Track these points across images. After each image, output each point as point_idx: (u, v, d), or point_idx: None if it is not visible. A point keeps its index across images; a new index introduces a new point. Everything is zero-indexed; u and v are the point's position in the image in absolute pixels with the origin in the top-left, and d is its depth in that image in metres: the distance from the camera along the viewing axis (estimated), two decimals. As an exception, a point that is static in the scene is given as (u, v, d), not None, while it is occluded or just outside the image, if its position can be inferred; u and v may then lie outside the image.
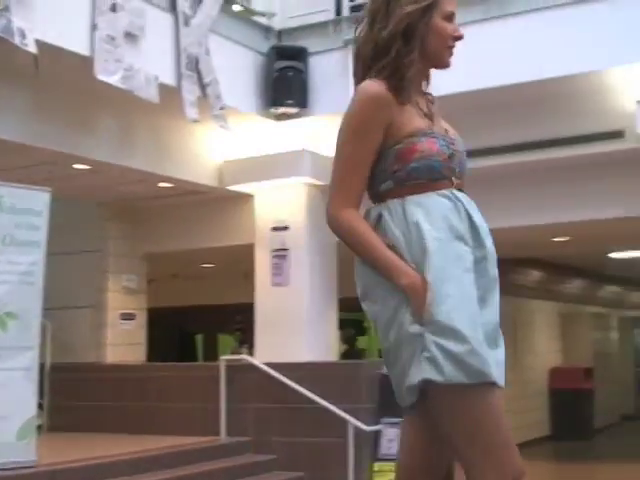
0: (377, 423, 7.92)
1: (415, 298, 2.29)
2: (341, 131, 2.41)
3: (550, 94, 7.54)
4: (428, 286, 2.28)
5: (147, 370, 9.63)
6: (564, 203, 8.31)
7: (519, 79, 7.22)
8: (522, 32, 7.30)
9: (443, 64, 2.52)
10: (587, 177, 8.12)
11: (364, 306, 2.45)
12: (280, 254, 9.07)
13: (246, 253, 9.34)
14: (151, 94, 6.94)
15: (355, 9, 8.43)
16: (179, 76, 7.33)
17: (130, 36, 6.86)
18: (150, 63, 7.01)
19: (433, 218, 2.35)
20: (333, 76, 8.25)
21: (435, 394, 2.29)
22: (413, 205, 2.37)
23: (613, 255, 13.74)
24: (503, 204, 8.46)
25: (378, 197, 2.45)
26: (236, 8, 8.59)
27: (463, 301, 2.29)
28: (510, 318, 13.92)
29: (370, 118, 2.37)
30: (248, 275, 9.48)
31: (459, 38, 2.50)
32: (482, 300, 2.36)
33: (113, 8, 6.72)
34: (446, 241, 2.33)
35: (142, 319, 10.36)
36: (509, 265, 13.30)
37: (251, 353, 9.66)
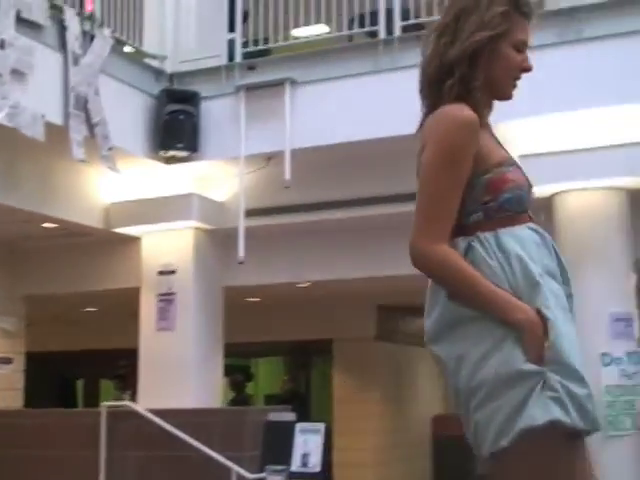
0: (261, 471, 7.83)
1: (533, 334, 2.10)
2: (429, 159, 2.23)
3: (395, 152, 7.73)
4: (549, 323, 2.12)
5: (23, 416, 9.30)
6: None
7: (358, 137, 7.41)
8: (408, 86, 7.47)
9: (505, 95, 2.38)
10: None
11: (439, 346, 2.24)
12: (166, 298, 8.95)
13: (131, 297, 9.17)
14: (37, 132, 6.81)
15: (247, 55, 8.49)
16: (67, 115, 7.21)
17: (18, 73, 6.72)
18: (37, 101, 6.89)
19: (529, 252, 2.19)
20: (224, 121, 8.28)
21: (536, 439, 2.08)
22: (508, 237, 2.20)
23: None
24: (388, 253, 8.59)
25: (465, 229, 2.23)
26: (127, 49, 8.53)
27: (573, 341, 2.17)
28: (394, 365, 14.06)
29: (462, 145, 2.19)
30: (133, 319, 9.31)
31: (527, 70, 2.35)
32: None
33: (1, 45, 6.60)
34: (544, 277, 2.18)
35: (19, 363, 10.01)
36: (394, 313, 13.47)
37: (134, 399, 9.45)
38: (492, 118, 7.14)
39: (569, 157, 7.31)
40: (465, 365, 2.16)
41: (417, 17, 7.87)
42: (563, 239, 7.53)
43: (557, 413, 2.07)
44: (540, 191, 7.44)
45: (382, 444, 13.34)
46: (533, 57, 7.17)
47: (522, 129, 7.45)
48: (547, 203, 7.59)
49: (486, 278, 2.15)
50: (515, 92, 7.28)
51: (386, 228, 8.49)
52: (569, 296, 2.26)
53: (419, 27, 7.87)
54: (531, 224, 2.27)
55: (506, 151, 2.31)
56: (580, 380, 2.12)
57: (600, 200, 7.45)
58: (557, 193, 7.53)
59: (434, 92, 2.30)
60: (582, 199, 7.48)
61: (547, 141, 7.42)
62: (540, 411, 2.07)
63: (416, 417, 14.81)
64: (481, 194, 2.22)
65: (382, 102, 7.52)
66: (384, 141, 7.48)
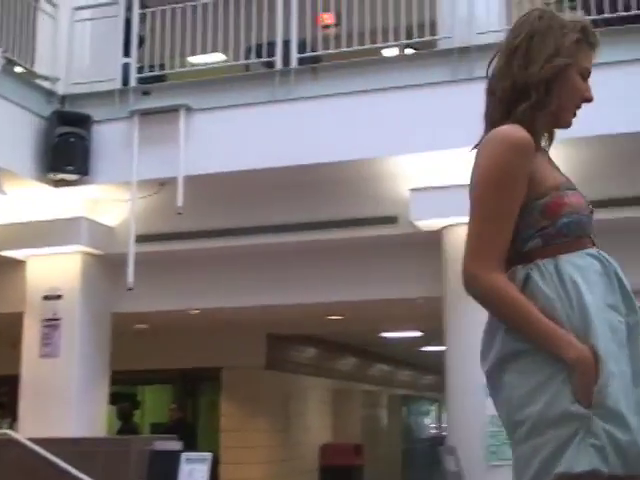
0: (145, 502, 7.66)
1: (584, 375, 2.00)
2: (479, 180, 2.13)
3: (331, 178, 7.81)
4: (601, 364, 2.01)
5: None
6: (338, 282, 8.55)
7: (300, 161, 7.43)
8: (303, 117, 7.55)
9: (566, 123, 2.29)
10: (362, 259, 8.43)
11: (495, 372, 2.14)
12: (51, 324, 8.71)
13: (14, 322, 8.89)
14: None
15: (142, 80, 8.41)
16: (-48, 134, 6.98)
17: None
18: None
19: (589, 283, 2.08)
20: (117, 145, 8.16)
21: None
22: (568, 266, 2.10)
23: (385, 334, 14.24)
24: (279, 282, 8.62)
25: (522, 257, 2.13)
26: (18, 70, 8.33)
27: (623, 381, 2.03)
28: (283, 394, 14.04)
29: (517, 167, 2.09)
30: (15, 345, 9.02)
31: (589, 100, 2.28)
32: (636, 375, 2.08)
33: None
34: (603, 310, 2.07)
35: None
36: (283, 342, 13.47)
37: (14, 428, 9.13)
38: (384, 151, 7.31)
39: (457, 191, 7.43)
40: (513, 398, 2.08)
41: (314, 50, 7.96)
42: (451, 272, 7.69)
43: (596, 463, 1.99)
44: (430, 224, 7.62)
45: (269, 473, 13.26)
46: (426, 94, 7.33)
47: (414, 163, 7.61)
48: (436, 236, 7.75)
49: (543, 309, 2.06)
50: (409, 127, 7.44)
51: (276, 257, 8.53)
52: (635, 325, 2.13)
53: (316, 60, 7.97)
54: (592, 250, 2.16)
55: (564, 176, 2.23)
56: (625, 426, 2.01)
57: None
58: (445, 227, 7.68)
59: (500, 113, 2.23)
60: (469, 233, 7.66)
61: (438, 176, 7.58)
62: (580, 458, 1.99)
63: (304, 446, 14.81)
64: (538, 219, 2.13)
65: (277, 132, 7.57)
66: (277, 171, 7.52)
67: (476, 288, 2.09)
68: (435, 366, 11.87)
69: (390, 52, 8.89)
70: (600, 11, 7.09)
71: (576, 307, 2.06)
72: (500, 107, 2.24)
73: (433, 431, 24.85)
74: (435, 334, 8.75)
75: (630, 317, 2.12)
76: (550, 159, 2.26)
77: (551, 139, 2.30)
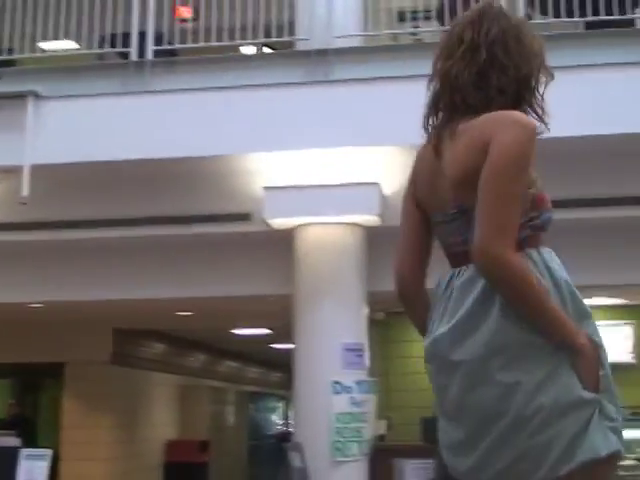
0: (-20, 502, 7.37)
1: (590, 361, 2.06)
2: (504, 161, 2.07)
3: (184, 172, 7.73)
4: (602, 350, 2.11)
5: None
6: (189, 278, 8.49)
7: (154, 155, 7.31)
8: (157, 110, 7.43)
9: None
10: (214, 255, 8.40)
11: (486, 371, 2.08)
12: None
13: None
14: None
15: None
16: None
17: None
18: None
19: (566, 273, 2.17)
20: None
21: (596, 469, 2.06)
22: (552, 257, 2.16)
23: (235, 331, 14.22)
24: (125, 276, 8.48)
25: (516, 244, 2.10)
26: None
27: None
28: (129, 390, 13.81)
29: (531, 153, 2.10)
30: None
31: None
32: None
33: None
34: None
35: None
36: (130, 337, 13.25)
37: None
38: (239, 148, 7.27)
39: (310, 192, 7.56)
40: (520, 392, 2.04)
41: (170, 43, 7.85)
42: (302, 271, 7.77)
43: (616, 444, 2.07)
44: (282, 223, 7.67)
45: (112, 470, 13.01)
46: (283, 94, 7.35)
47: (267, 162, 7.63)
48: (288, 235, 7.81)
49: None
50: (265, 125, 7.43)
51: (126, 250, 8.39)
52: None
53: (172, 53, 7.87)
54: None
55: None
56: (619, 407, 2.13)
57: (338, 235, 7.75)
58: (298, 226, 7.75)
59: (482, 99, 2.21)
60: (321, 233, 7.75)
61: (290, 175, 7.63)
62: (602, 442, 2.05)
63: (150, 442, 14.62)
64: (529, 208, 2.15)
65: (130, 124, 7.41)
66: (129, 163, 7.37)
67: (500, 268, 2.03)
68: (284, 363, 11.95)
69: (248, 50, 8.90)
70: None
71: (569, 299, 2.10)
72: (482, 93, 2.22)
73: (280, 428, 25.00)
74: (284, 332, 8.80)
75: None
76: None
77: None
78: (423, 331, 2.33)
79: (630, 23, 7.62)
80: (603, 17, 7.14)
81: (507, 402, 2.05)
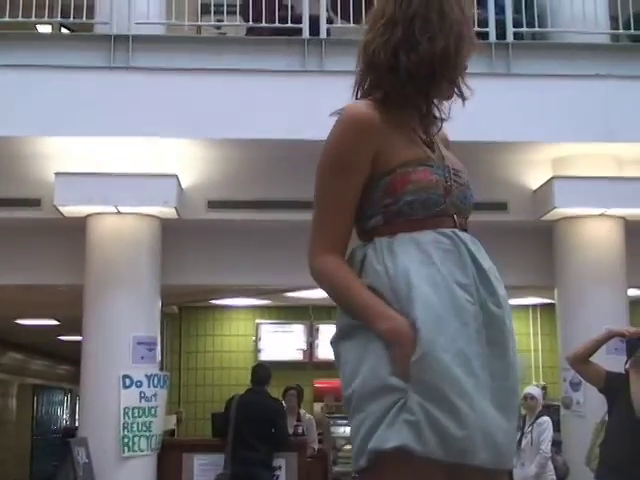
0: None
1: (398, 346, 1.89)
2: (319, 162, 2.02)
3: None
4: (419, 336, 1.87)
5: None
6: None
7: None
8: None
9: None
10: (1, 241, 8.00)
11: (335, 349, 2.04)
12: None
13: None
14: None
15: None
16: None
17: None
18: None
19: (428, 256, 1.97)
20: None
21: (387, 463, 1.87)
22: (405, 242, 1.99)
23: (20, 321, 13.65)
24: None
25: (365, 235, 2.06)
26: None
27: (458, 361, 1.89)
28: None
29: (352, 141, 2.00)
30: None
31: None
32: (492, 356, 1.96)
33: None
34: (442, 285, 1.94)
35: None
36: None
37: None
38: (32, 131, 6.97)
39: (105, 180, 7.37)
40: (344, 374, 1.99)
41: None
42: (94, 261, 7.56)
43: (408, 439, 1.85)
44: (74, 211, 7.43)
45: None
46: (80, 78, 7.07)
47: (61, 147, 7.37)
48: (81, 224, 7.57)
49: (371, 285, 1.98)
50: (58, 109, 7.16)
51: None
52: (496, 312, 2.01)
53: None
54: (445, 229, 2.03)
55: (429, 151, 2.10)
56: (451, 407, 1.86)
57: (133, 225, 7.59)
58: (91, 214, 7.53)
59: (390, 84, 2.07)
60: (115, 223, 7.57)
61: (85, 162, 7.42)
62: (391, 434, 1.86)
63: None
64: (381, 197, 2.03)
65: None
66: None
67: (311, 272, 2.05)
68: (72, 356, 11.61)
69: (45, 29, 8.56)
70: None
71: (402, 280, 1.96)
72: (394, 77, 2.08)
73: (66, 422, 24.28)
74: (73, 323, 8.54)
75: (490, 301, 2.01)
76: (419, 133, 2.13)
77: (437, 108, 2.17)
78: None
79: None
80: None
81: (345, 382, 2.01)
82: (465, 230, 2.09)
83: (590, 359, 5.15)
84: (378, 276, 1.99)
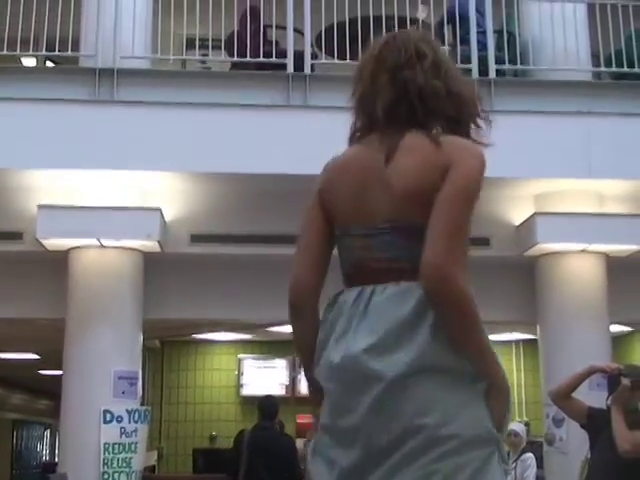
0: None
1: (505, 402, 2.06)
2: (465, 192, 2.06)
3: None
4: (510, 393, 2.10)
5: None
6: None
7: None
8: None
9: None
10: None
11: (407, 384, 1.99)
12: None
13: None
14: None
15: None
16: None
17: None
18: None
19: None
20: None
21: None
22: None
23: (2, 355, 13.52)
24: None
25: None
26: None
27: None
28: None
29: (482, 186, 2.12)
30: None
31: None
32: None
33: None
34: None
35: None
36: None
37: None
38: (14, 163, 6.88)
39: (87, 213, 7.34)
40: (438, 410, 1.98)
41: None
42: (76, 294, 7.51)
43: None
44: (56, 244, 7.39)
45: None
46: (64, 111, 7.05)
47: (44, 179, 7.35)
48: (63, 257, 7.53)
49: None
50: (41, 141, 7.13)
51: None
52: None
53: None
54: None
55: None
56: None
57: (115, 259, 7.56)
58: (73, 248, 7.50)
59: (413, 116, 2.19)
60: (97, 256, 7.53)
61: (67, 195, 7.40)
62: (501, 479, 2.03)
63: None
64: None
65: None
66: None
67: (453, 289, 1.97)
68: (52, 390, 11.50)
69: (30, 62, 8.58)
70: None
71: None
72: (432, 111, 2.21)
73: (46, 458, 23.98)
74: (54, 357, 8.46)
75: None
76: None
77: None
78: (305, 349, 2.22)
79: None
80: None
81: (422, 421, 1.99)
82: None
83: (572, 395, 5.14)
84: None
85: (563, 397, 5.19)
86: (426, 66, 2.21)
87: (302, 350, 2.26)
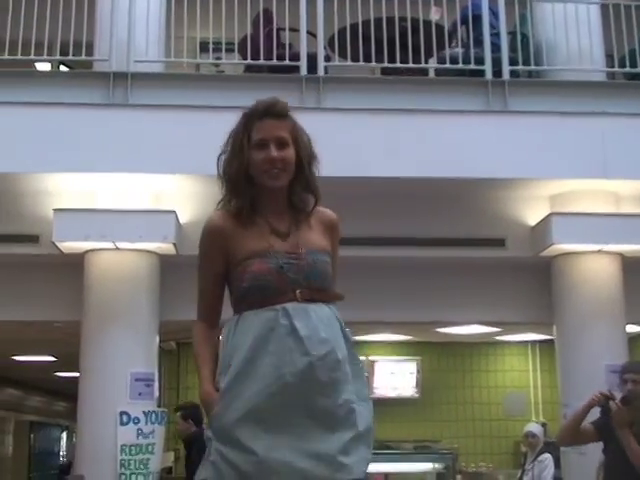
0: None
1: (205, 406, 2.61)
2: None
3: None
4: (221, 398, 2.54)
5: None
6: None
7: None
8: None
9: (268, 185, 2.70)
10: (4, 278, 8.01)
11: None
12: None
13: None
14: None
15: None
16: None
17: None
18: None
19: (244, 332, 2.58)
20: None
21: None
22: (247, 319, 2.60)
23: (17, 357, 13.61)
24: None
25: (235, 310, 2.69)
26: None
27: (254, 415, 2.48)
28: None
29: (206, 244, 2.74)
30: None
31: (271, 160, 2.68)
32: (304, 403, 2.50)
33: None
34: (249, 358, 2.53)
35: None
36: None
37: None
38: (30, 168, 6.97)
39: (103, 216, 7.38)
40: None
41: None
42: (92, 297, 7.56)
43: (208, 475, 2.53)
44: (72, 247, 7.44)
45: None
46: (79, 115, 7.07)
47: (59, 183, 7.40)
48: (79, 260, 7.58)
49: (219, 353, 2.66)
50: (56, 145, 7.17)
51: None
52: (299, 366, 2.51)
53: None
54: (277, 305, 2.58)
55: (275, 241, 2.67)
56: (241, 447, 2.47)
57: (131, 262, 7.59)
58: (89, 250, 7.54)
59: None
60: (113, 259, 7.57)
61: (83, 198, 7.44)
62: (202, 471, 2.57)
63: None
64: (236, 283, 2.67)
65: None
66: None
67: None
68: (69, 392, 11.55)
69: (44, 67, 8.62)
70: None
71: (229, 351, 2.59)
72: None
73: (64, 459, 24.09)
74: (71, 359, 8.51)
75: (299, 360, 2.51)
76: (271, 223, 2.71)
77: (297, 198, 2.76)
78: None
79: (424, 72, 8.03)
80: (398, 65, 7.45)
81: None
82: (312, 299, 2.61)
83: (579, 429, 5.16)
84: (222, 347, 2.65)
85: (571, 438, 5.28)
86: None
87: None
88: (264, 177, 2.70)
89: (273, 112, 2.75)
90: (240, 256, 2.66)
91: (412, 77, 7.64)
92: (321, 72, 7.38)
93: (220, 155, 2.80)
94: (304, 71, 7.36)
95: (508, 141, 7.34)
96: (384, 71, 7.78)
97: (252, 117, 2.75)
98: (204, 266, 2.78)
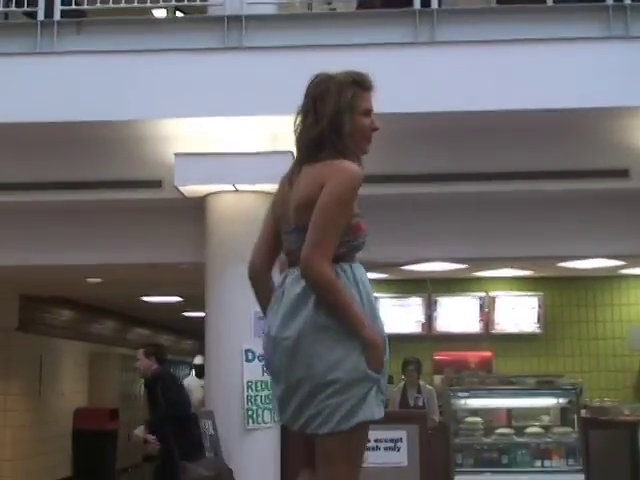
0: None
1: (376, 350, 2.85)
2: (329, 196, 2.84)
3: (93, 137, 7.59)
4: (385, 344, 2.90)
5: None
6: (99, 244, 8.34)
7: (60, 118, 7.12)
8: (65, 72, 7.24)
9: (363, 151, 3.06)
10: (125, 221, 8.27)
11: (299, 342, 2.85)
12: None
13: None
14: None
15: None
16: None
17: None
18: None
19: (366, 282, 2.97)
20: None
21: (365, 426, 2.89)
22: (360, 272, 2.95)
23: (146, 298, 14.09)
24: (32, 241, 8.28)
25: (335, 258, 2.87)
26: None
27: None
28: (37, 358, 13.58)
29: (353, 195, 2.89)
30: None
31: (375, 129, 3.06)
32: None
33: None
34: (374, 302, 3.00)
35: None
36: (38, 303, 13.00)
37: None
38: (151, 113, 7.09)
39: (223, 159, 7.48)
40: (321, 363, 2.82)
41: (78, 4, 7.62)
42: (214, 239, 7.73)
43: (378, 413, 2.87)
44: (193, 190, 7.60)
45: (22, 438, 12.84)
46: (197, 59, 7.14)
47: (179, 128, 7.54)
48: (201, 203, 7.74)
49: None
50: (177, 91, 7.27)
51: (32, 214, 8.22)
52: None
53: (80, 14, 7.66)
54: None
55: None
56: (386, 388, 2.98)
57: (251, 203, 7.69)
58: (210, 194, 7.69)
59: (309, 154, 3.02)
60: (234, 201, 7.70)
61: (203, 142, 7.56)
62: (376, 409, 2.86)
63: (58, 410, 14.44)
64: (345, 233, 2.89)
65: (38, 85, 7.20)
66: (36, 126, 7.19)
67: (315, 274, 2.82)
68: (196, 331, 11.92)
69: (160, 13, 8.74)
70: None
71: (367, 304, 2.91)
72: (306, 151, 3.06)
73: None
74: (196, 300, 8.76)
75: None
76: None
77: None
78: (264, 311, 3.10)
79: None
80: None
81: (311, 369, 2.83)
82: None
83: None
84: (351, 294, 2.87)
85: None
86: (299, 120, 3.15)
87: (261, 308, 3.17)
88: (363, 142, 3.04)
89: (372, 86, 3.09)
90: (355, 210, 2.96)
91: (529, 5, 7.40)
92: (434, 4, 7.23)
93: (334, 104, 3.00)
94: (417, 5, 7.22)
95: (627, 68, 7.04)
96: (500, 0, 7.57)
97: (360, 85, 3.05)
98: (345, 212, 2.89)
